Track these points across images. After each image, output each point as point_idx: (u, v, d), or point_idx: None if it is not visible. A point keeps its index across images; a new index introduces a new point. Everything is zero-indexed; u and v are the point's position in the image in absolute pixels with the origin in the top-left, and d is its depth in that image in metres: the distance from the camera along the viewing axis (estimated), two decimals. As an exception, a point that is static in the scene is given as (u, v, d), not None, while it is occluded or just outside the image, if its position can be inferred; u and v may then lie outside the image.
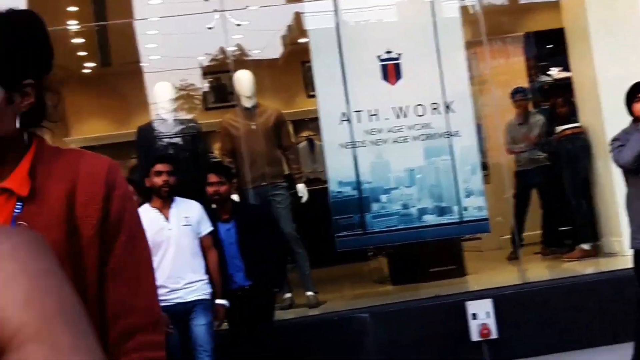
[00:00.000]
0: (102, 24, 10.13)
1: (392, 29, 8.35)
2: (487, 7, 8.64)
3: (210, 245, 6.08)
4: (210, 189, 6.28)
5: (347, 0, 8.34)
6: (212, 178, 6.29)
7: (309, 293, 7.85)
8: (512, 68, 11.33)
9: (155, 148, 7.99)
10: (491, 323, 7.07)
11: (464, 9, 8.56)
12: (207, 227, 6.09)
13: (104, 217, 1.97)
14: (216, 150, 9.27)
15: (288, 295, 7.86)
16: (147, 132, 8.22)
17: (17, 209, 1.93)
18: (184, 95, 10.63)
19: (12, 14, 2.02)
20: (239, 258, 6.27)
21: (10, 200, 1.94)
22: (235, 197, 7.83)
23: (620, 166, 5.47)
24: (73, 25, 10.11)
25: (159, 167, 5.95)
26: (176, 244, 5.86)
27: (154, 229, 5.76)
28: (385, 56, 8.08)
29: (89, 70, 12.15)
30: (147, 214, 5.84)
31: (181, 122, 8.38)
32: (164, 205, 5.96)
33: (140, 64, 10.34)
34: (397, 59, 8.09)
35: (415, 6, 8.42)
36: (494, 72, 10.32)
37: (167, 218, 5.93)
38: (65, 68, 10.63)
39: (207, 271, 6.01)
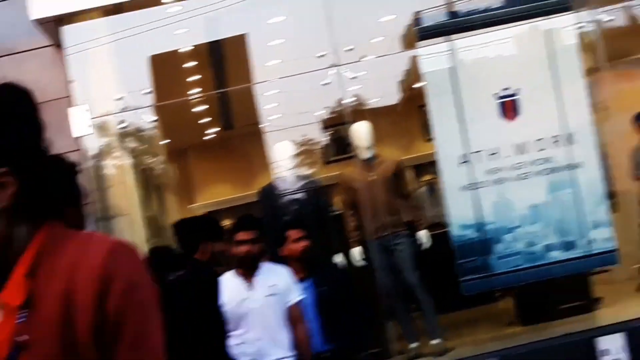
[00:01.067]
0: (223, 91, 10.44)
1: (508, 64, 8.29)
2: (606, 31, 8.43)
3: (299, 315, 5.57)
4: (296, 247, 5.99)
5: (462, 39, 8.31)
6: (295, 233, 6.05)
7: (435, 341, 7.80)
8: (635, 92, 11.00)
9: (277, 207, 8.17)
10: (624, 359, 6.85)
11: (582, 36, 8.37)
12: (296, 295, 5.61)
13: (100, 318, 1.63)
14: (336, 204, 9.36)
15: (414, 345, 7.86)
16: (268, 192, 8.42)
17: (22, 317, 1.66)
18: (305, 151, 10.80)
19: None
20: (314, 320, 5.83)
21: (13, 311, 1.67)
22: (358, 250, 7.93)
23: None
24: (196, 94, 10.48)
25: (241, 235, 5.53)
26: (260, 317, 5.43)
27: (236, 301, 5.42)
28: (502, 93, 8.03)
29: (212, 136, 12.52)
30: (229, 282, 5.46)
31: (301, 178, 8.54)
32: (249, 272, 5.55)
33: (261, 125, 10.59)
34: (515, 94, 8.02)
35: (531, 38, 8.30)
36: (616, 97, 10.05)
37: (250, 287, 5.53)
38: (189, 136, 11.06)
39: (295, 346, 5.51)
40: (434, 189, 11.33)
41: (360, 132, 8.25)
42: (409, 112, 11.49)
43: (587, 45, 8.50)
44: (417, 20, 8.31)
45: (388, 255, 7.94)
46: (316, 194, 8.45)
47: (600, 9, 8.30)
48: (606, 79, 9.20)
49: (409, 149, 11.89)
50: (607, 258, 7.98)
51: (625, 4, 8.40)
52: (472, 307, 9.33)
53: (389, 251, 7.94)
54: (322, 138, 11.38)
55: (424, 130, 11.36)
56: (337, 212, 8.80)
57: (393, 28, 9.03)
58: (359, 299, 6.41)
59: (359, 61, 8.80)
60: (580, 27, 8.33)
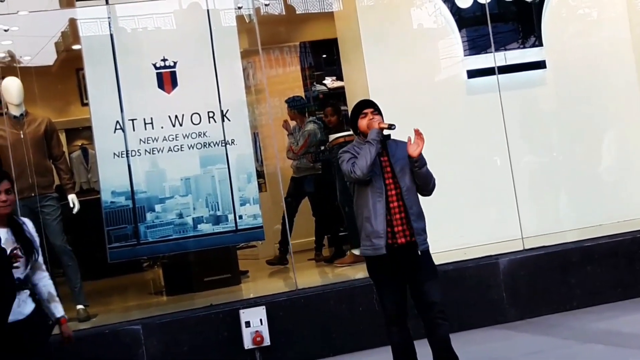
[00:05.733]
0: None
1: (168, 37, 8.31)
2: (263, 17, 8.70)
3: None
4: None
5: (122, 7, 8.21)
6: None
7: (79, 306, 7.68)
8: (288, 77, 11.51)
9: None
10: (264, 330, 7.13)
11: (240, 18, 8.57)
12: None
13: None
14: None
15: (57, 309, 7.70)
16: None
17: None
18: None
19: None
20: None
21: None
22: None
23: (356, 177, 5.53)
24: None
25: None
26: None
27: None
28: (160, 64, 8.02)
29: None
30: None
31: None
32: None
33: None
34: (173, 67, 8.06)
35: (192, 14, 8.38)
36: (270, 81, 10.45)
37: None
38: None
39: None
40: (87, 154, 11.15)
41: (10, 88, 7.86)
42: (66, 74, 11.20)
43: (245, 27, 8.71)
44: (74, -19, 8.09)
45: (34, 217, 7.63)
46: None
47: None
48: (262, 62, 9.50)
49: (64, 112, 11.59)
50: (255, 234, 8.25)
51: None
52: (120, 276, 9.29)
53: (34, 212, 7.64)
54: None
55: (81, 94, 11.14)
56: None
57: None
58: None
59: (14, 13, 8.33)
60: (239, 10, 8.51)
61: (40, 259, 5.41)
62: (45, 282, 5.41)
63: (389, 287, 5.63)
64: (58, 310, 5.40)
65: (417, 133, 5.56)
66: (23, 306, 5.16)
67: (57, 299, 5.38)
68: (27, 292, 5.25)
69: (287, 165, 9.93)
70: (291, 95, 10.35)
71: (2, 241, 4.98)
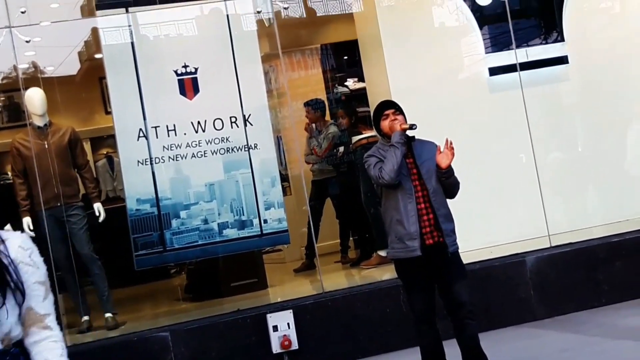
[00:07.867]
0: None
1: (188, 43, 8.32)
2: (283, 20, 8.70)
3: None
4: None
5: (143, 14, 8.23)
6: None
7: (107, 315, 7.72)
8: (310, 80, 11.50)
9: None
10: (292, 334, 7.13)
11: (261, 22, 8.57)
12: None
13: None
14: (9, 171, 8.95)
15: (86, 318, 7.75)
16: None
17: None
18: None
19: None
20: None
21: None
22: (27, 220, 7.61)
23: (385, 182, 5.52)
24: None
25: None
26: None
27: None
28: (181, 70, 8.04)
29: None
30: None
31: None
32: None
33: None
34: (194, 73, 8.06)
35: (212, 20, 8.40)
36: (292, 84, 10.44)
37: None
38: None
39: None
40: (112, 162, 11.21)
41: (33, 98, 7.89)
42: (89, 83, 11.22)
43: (265, 31, 8.70)
44: (96, -11, 8.12)
45: (60, 227, 7.69)
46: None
47: (278, -2, 8.54)
48: (283, 66, 9.48)
49: (88, 121, 11.65)
50: (280, 238, 8.25)
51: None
52: (148, 283, 9.32)
53: (60, 222, 7.69)
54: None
55: (104, 103, 11.19)
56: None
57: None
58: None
59: (36, 24, 8.36)
60: (259, 14, 8.51)
61: (45, 307, 2.88)
62: (44, 346, 2.85)
63: (418, 287, 5.63)
64: None
65: (449, 144, 5.54)
66: None
67: None
68: None
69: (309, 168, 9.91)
70: (313, 97, 10.34)
71: None
